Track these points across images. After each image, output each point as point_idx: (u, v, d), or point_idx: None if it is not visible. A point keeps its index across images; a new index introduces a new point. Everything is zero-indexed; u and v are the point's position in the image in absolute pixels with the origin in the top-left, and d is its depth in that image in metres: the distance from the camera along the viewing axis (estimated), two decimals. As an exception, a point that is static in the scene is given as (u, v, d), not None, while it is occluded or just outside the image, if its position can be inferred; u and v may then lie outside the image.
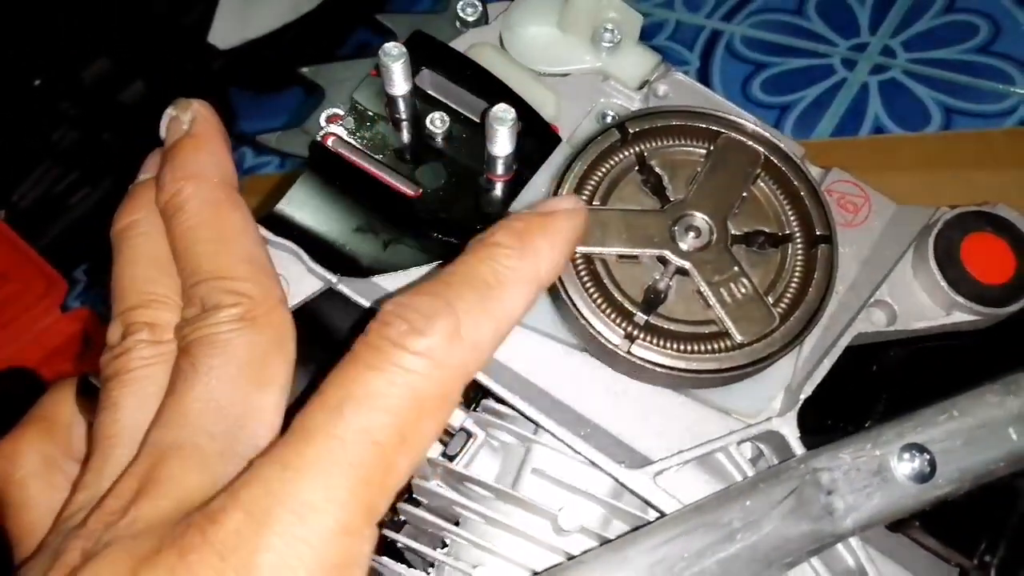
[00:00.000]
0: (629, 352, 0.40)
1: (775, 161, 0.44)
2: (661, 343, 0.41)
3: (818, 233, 0.43)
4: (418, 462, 0.31)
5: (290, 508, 0.28)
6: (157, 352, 0.35)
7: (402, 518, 0.47)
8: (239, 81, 1.29)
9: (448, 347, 0.30)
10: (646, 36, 0.53)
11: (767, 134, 0.45)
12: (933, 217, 0.48)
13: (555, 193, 0.43)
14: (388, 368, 0.30)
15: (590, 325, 0.41)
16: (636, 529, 0.38)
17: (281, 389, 0.35)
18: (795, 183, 0.44)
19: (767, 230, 0.44)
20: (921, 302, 0.47)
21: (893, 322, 0.47)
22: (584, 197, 0.43)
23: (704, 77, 1.09)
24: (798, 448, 0.43)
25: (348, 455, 0.28)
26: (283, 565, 0.27)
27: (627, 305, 0.42)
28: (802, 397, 0.44)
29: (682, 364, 0.40)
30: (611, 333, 0.41)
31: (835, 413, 0.47)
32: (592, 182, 0.44)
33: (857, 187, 0.51)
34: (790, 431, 0.43)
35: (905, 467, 0.39)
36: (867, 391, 0.48)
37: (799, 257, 0.44)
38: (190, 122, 0.39)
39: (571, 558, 0.43)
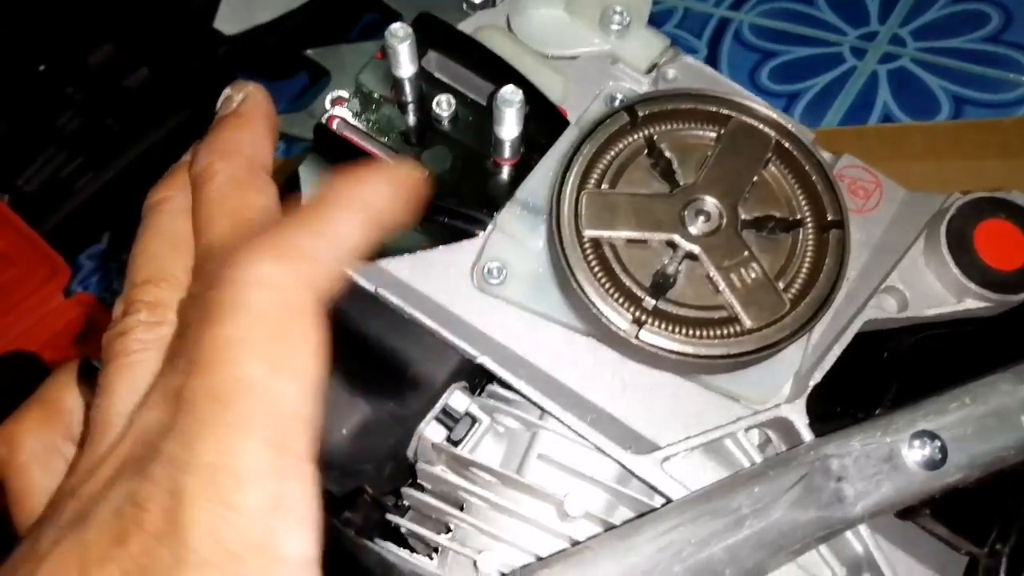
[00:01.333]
0: (637, 337, 0.40)
1: (786, 145, 0.44)
2: (670, 328, 0.40)
3: (830, 218, 0.43)
4: (308, 385, 0.30)
5: (198, 474, 0.28)
6: (155, 335, 0.35)
7: (406, 503, 0.47)
8: (245, 67, 1.28)
9: (281, 269, 0.30)
10: (654, 24, 0.52)
11: (778, 118, 0.44)
12: (946, 203, 0.47)
13: (563, 177, 0.43)
14: (234, 310, 0.29)
15: (598, 310, 0.40)
16: (642, 515, 0.37)
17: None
18: (807, 167, 0.44)
19: (778, 215, 0.43)
20: (933, 289, 0.46)
21: (904, 309, 0.46)
22: (592, 181, 0.43)
23: (712, 65, 1.07)
24: (807, 435, 0.43)
25: (230, 406, 0.28)
26: (209, 530, 0.27)
27: (635, 290, 0.41)
28: (811, 384, 0.44)
29: (691, 349, 0.40)
30: (619, 318, 0.40)
31: (845, 400, 0.47)
32: (601, 165, 0.43)
33: (868, 173, 0.50)
34: (799, 418, 0.43)
35: (916, 454, 0.38)
36: (877, 378, 0.47)
37: (810, 242, 0.43)
38: (240, 102, 0.40)
39: (576, 543, 0.43)
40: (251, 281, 0.30)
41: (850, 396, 0.47)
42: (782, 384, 0.44)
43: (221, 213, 0.37)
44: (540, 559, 0.41)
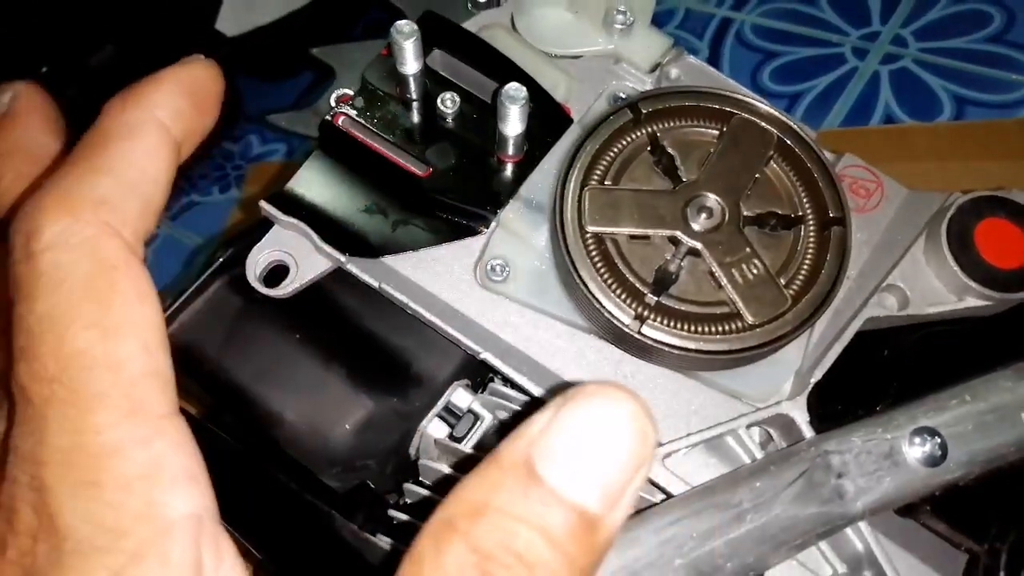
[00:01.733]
0: (640, 332, 0.40)
1: (789, 143, 0.44)
2: (672, 323, 0.40)
3: (831, 215, 0.43)
4: (148, 334, 0.28)
5: (54, 462, 0.26)
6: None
7: (408, 499, 0.47)
8: (247, 68, 1.28)
9: (70, 223, 0.28)
10: (656, 25, 0.53)
11: (781, 116, 0.44)
12: (946, 202, 0.47)
13: (566, 173, 0.43)
14: (38, 282, 0.27)
15: (600, 305, 0.40)
16: (644, 510, 0.37)
17: None
18: (809, 165, 0.44)
19: (780, 211, 0.43)
20: (933, 287, 0.47)
21: (905, 307, 0.46)
22: (596, 178, 0.43)
23: (714, 65, 1.06)
24: (808, 432, 0.43)
25: (65, 383, 0.27)
26: (81, 515, 0.26)
27: (638, 285, 0.41)
28: (812, 381, 0.44)
29: (692, 345, 0.40)
30: (622, 313, 0.40)
31: (846, 398, 0.47)
32: (604, 162, 0.43)
33: (869, 172, 0.51)
34: (800, 415, 0.43)
35: (916, 451, 0.38)
36: (878, 376, 0.47)
37: (811, 239, 0.43)
38: (8, 101, 0.38)
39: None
40: (47, 245, 0.27)
41: (851, 394, 0.47)
42: (783, 382, 0.44)
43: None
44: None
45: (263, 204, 0.45)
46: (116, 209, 0.29)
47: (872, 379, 0.47)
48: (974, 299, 0.46)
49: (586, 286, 0.41)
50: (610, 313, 0.40)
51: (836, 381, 0.45)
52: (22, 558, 0.27)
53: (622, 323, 0.40)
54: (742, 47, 1.11)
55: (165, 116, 0.31)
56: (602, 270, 0.41)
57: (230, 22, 1.25)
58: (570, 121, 0.48)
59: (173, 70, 0.33)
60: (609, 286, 0.41)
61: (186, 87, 0.33)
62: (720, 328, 0.41)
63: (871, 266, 0.47)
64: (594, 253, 0.41)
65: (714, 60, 1.10)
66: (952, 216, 0.46)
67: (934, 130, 0.95)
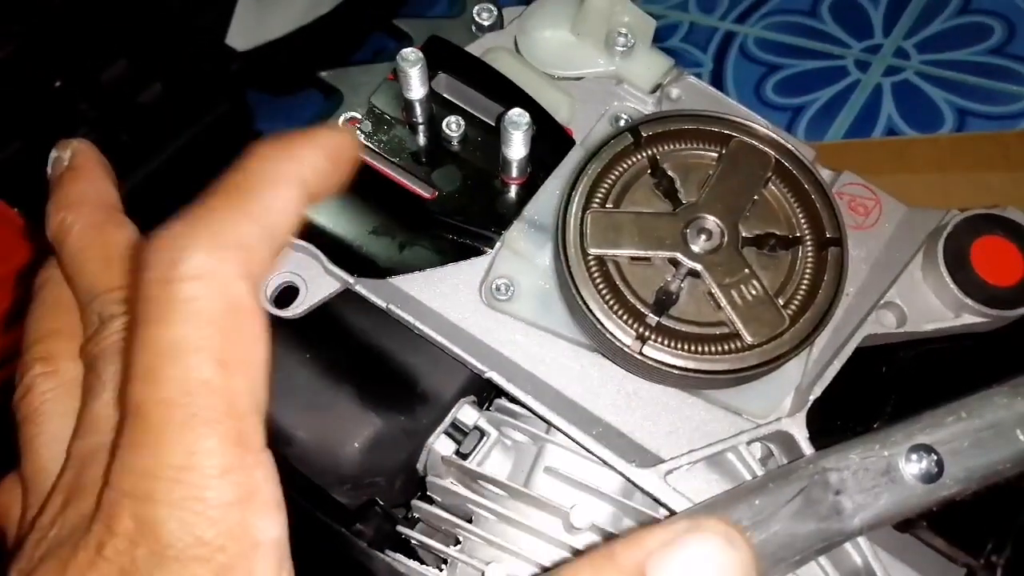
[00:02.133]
0: (641, 353, 0.41)
1: (786, 164, 0.45)
2: (673, 344, 0.41)
3: (828, 236, 0.44)
4: (257, 370, 0.30)
5: (165, 477, 0.28)
6: (56, 382, 0.36)
7: (416, 515, 0.48)
8: (257, 83, 1.30)
9: (214, 260, 0.29)
10: (660, 38, 0.53)
11: (778, 138, 0.45)
12: (943, 220, 0.48)
13: (568, 196, 0.44)
14: (170, 310, 0.29)
15: (602, 326, 0.41)
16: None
17: None
18: (806, 186, 0.45)
19: (778, 232, 0.44)
20: (931, 304, 0.47)
21: (903, 324, 0.47)
22: (597, 200, 0.44)
23: (718, 78, 1.09)
24: (807, 448, 0.44)
25: (185, 410, 0.28)
26: (183, 528, 0.28)
27: (639, 306, 0.42)
28: (812, 398, 0.45)
29: (693, 365, 0.41)
30: (623, 334, 0.41)
31: (844, 414, 0.47)
32: (605, 185, 0.44)
33: (868, 190, 0.51)
34: (799, 431, 0.44)
35: (913, 467, 0.39)
36: (876, 392, 0.48)
37: (809, 259, 0.44)
38: (69, 158, 0.40)
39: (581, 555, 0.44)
40: (188, 275, 0.29)
41: (850, 410, 0.48)
42: (783, 399, 0.45)
43: (88, 258, 0.37)
44: (546, 570, 0.42)
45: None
46: (253, 254, 0.30)
47: (870, 395, 0.48)
48: (971, 316, 0.47)
49: (588, 307, 0.42)
50: (612, 334, 0.41)
51: (835, 397, 0.45)
52: (118, 556, 0.28)
53: (624, 344, 0.41)
54: (746, 60, 1.12)
55: (308, 174, 0.33)
56: (604, 291, 0.42)
57: (240, 37, 1.26)
58: (572, 143, 0.49)
59: (324, 132, 0.35)
60: (611, 307, 0.42)
61: (332, 151, 0.34)
62: (720, 348, 0.42)
63: (870, 283, 0.48)
64: (596, 275, 0.42)
65: (718, 73, 1.11)
66: (949, 234, 0.47)
67: (935, 142, 0.95)
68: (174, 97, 1.28)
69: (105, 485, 0.30)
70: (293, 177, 0.33)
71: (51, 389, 0.36)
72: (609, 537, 0.44)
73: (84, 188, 0.39)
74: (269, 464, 0.30)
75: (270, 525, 0.29)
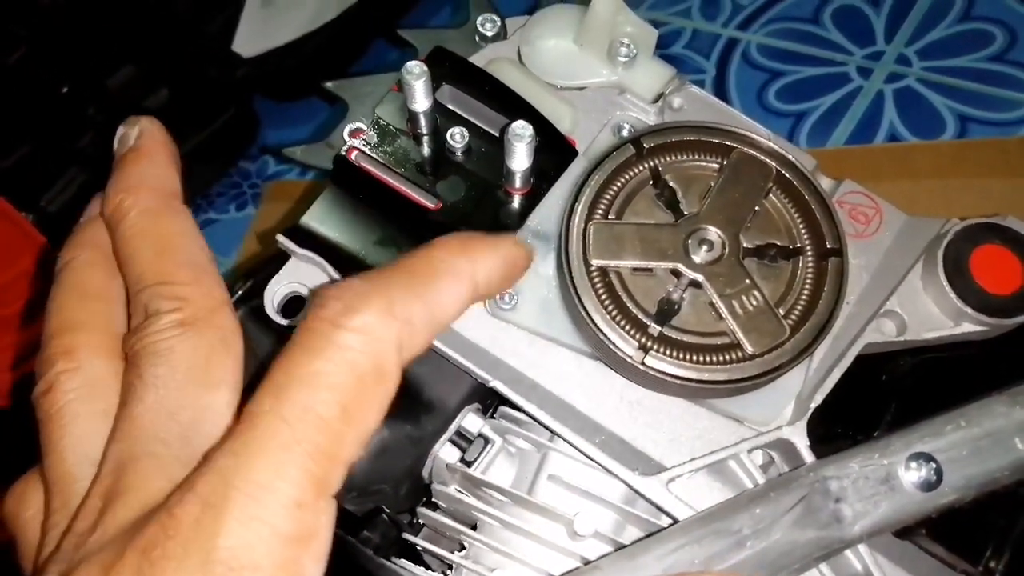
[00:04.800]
0: (643, 363, 0.42)
1: (787, 175, 0.45)
2: (674, 354, 0.42)
3: (828, 246, 0.44)
4: (365, 433, 0.31)
5: (243, 491, 0.29)
6: (80, 380, 0.36)
7: (421, 522, 0.49)
8: (262, 89, 1.31)
9: (382, 323, 0.31)
10: (663, 44, 0.54)
11: (779, 148, 0.46)
12: (943, 229, 0.48)
13: (571, 208, 0.44)
14: (326, 347, 0.31)
15: (605, 336, 0.42)
16: (650, 535, 0.39)
17: (230, 388, 0.35)
18: (806, 197, 0.45)
19: (779, 243, 0.45)
20: (930, 312, 0.48)
21: (903, 332, 0.47)
22: (600, 212, 0.44)
23: (720, 85, 1.10)
24: (808, 456, 0.44)
25: (294, 433, 0.29)
26: (243, 545, 0.28)
27: (641, 317, 0.43)
28: (812, 406, 0.45)
29: (695, 375, 0.42)
30: (625, 344, 0.42)
31: (845, 421, 0.48)
32: (608, 196, 0.45)
33: (869, 198, 0.52)
34: (800, 439, 0.44)
35: (912, 476, 0.40)
36: (876, 400, 0.48)
37: (810, 270, 0.44)
38: (136, 137, 0.40)
39: (586, 562, 0.44)
40: (352, 326, 0.31)
41: (850, 417, 0.48)
42: (784, 407, 0.46)
43: (141, 245, 0.37)
44: (550, 577, 0.42)
45: (280, 238, 0.47)
46: (413, 333, 0.33)
47: (871, 403, 0.49)
48: (970, 324, 0.47)
49: (591, 318, 0.42)
50: (614, 344, 0.42)
51: (836, 404, 0.46)
52: (164, 560, 0.28)
53: (626, 354, 0.42)
54: (748, 67, 1.12)
55: (481, 276, 0.36)
56: (606, 302, 0.42)
57: (246, 44, 1.27)
58: (575, 153, 0.49)
59: (505, 243, 0.39)
60: (613, 318, 0.42)
61: (508, 260, 0.38)
62: (721, 358, 0.42)
63: (870, 291, 0.49)
64: (598, 286, 0.43)
65: (721, 79, 1.11)
66: (948, 243, 0.47)
67: (937, 148, 0.96)
68: (180, 102, 1.29)
69: (184, 488, 0.30)
70: (467, 276, 0.35)
71: (75, 388, 0.35)
72: (613, 544, 0.45)
73: (145, 171, 0.39)
74: (334, 515, 0.30)
75: (315, 571, 0.30)
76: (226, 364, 0.35)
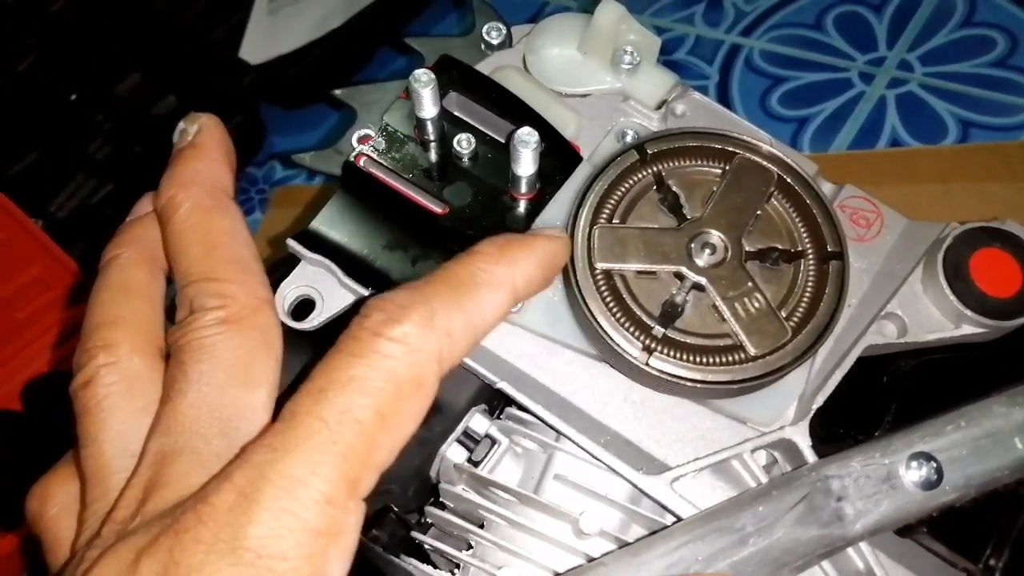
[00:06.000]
0: (647, 364, 0.42)
1: (788, 180, 0.46)
2: (678, 355, 0.43)
3: (830, 249, 0.45)
4: (400, 441, 0.33)
5: (278, 484, 0.30)
6: (119, 375, 0.36)
7: (429, 520, 0.49)
8: (270, 96, 1.32)
9: (422, 334, 0.33)
10: (667, 51, 0.55)
11: (781, 154, 0.47)
12: (943, 232, 0.49)
13: (576, 212, 0.45)
14: (367, 354, 0.32)
15: (610, 338, 0.43)
16: (654, 533, 0.39)
17: (269, 387, 0.36)
18: (807, 201, 0.46)
19: (780, 247, 0.46)
20: (931, 315, 0.48)
21: (903, 334, 0.48)
22: (604, 216, 0.45)
23: (723, 91, 1.10)
24: (810, 456, 0.45)
25: (331, 434, 0.30)
26: (272, 535, 0.29)
27: (645, 319, 0.43)
28: (814, 407, 0.46)
29: (698, 376, 0.42)
30: (630, 346, 0.43)
31: (846, 421, 0.48)
32: (612, 201, 0.46)
33: (869, 203, 0.52)
34: (802, 439, 0.45)
35: (913, 475, 0.40)
36: (877, 401, 0.49)
37: (811, 273, 0.45)
38: (194, 133, 0.41)
39: (591, 560, 0.45)
40: (393, 336, 0.32)
41: (851, 418, 0.49)
42: (787, 407, 0.46)
43: (191, 241, 0.38)
44: (558, 574, 0.43)
45: (290, 242, 0.48)
46: (453, 344, 0.34)
47: (872, 403, 0.49)
48: (970, 327, 0.47)
49: (596, 320, 0.43)
50: (619, 346, 0.43)
51: (838, 405, 0.46)
52: (196, 544, 0.29)
53: (631, 355, 0.42)
54: (751, 72, 1.13)
55: (520, 280, 0.37)
56: (611, 304, 0.43)
57: (253, 51, 1.29)
58: (580, 159, 0.50)
59: (542, 240, 0.40)
60: (618, 320, 0.43)
61: (546, 260, 0.39)
62: (724, 359, 0.43)
63: (871, 294, 0.49)
64: (603, 288, 0.43)
65: (724, 85, 1.12)
66: (948, 247, 0.48)
67: (938, 153, 0.96)
68: (188, 109, 1.30)
69: (220, 478, 0.31)
70: (507, 282, 0.37)
71: (115, 382, 0.36)
72: (617, 542, 0.45)
73: (200, 167, 0.39)
74: (362, 517, 0.31)
75: (339, 569, 0.31)
76: (267, 364, 0.36)
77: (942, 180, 0.93)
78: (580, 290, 0.43)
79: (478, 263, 0.37)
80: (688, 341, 0.43)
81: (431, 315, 0.33)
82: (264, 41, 1.27)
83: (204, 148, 0.40)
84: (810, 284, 0.45)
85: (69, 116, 1.28)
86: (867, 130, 1.02)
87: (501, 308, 0.37)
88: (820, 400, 0.46)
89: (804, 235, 0.46)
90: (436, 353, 0.33)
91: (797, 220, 0.46)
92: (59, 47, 1.29)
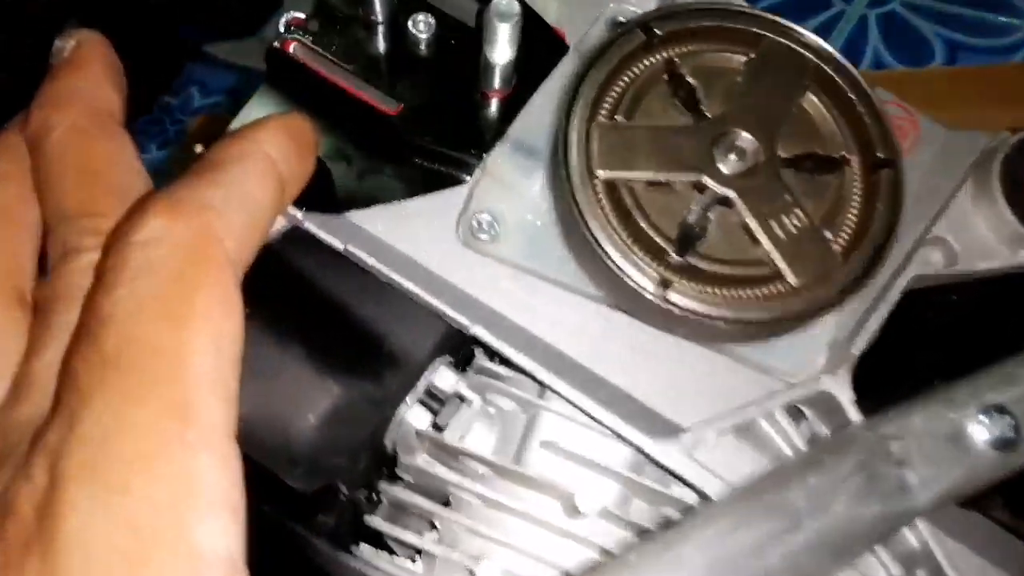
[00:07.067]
0: (666, 300, 0.33)
1: (827, 71, 0.38)
2: (702, 288, 0.34)
3: (880, 156, 0.37)
4: (219, 331, 0.27)
5: (79, 457, 0.25)
6: None
7: (384, 500, 0.40)
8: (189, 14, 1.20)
9: (169, 222, 0.28)
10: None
11: (819, 41, 0.38)
12: (994, 142, 0.43)
13: (569, 108, 0.36)
14: (124, 271, 0.27)
15: (618, 268, 0.34)
16: (686, 512, 0.31)
17: None
18: (851, 97, 0.38)
19: (819, 152, 0.37)
20: (984, 239, 0.42)
21: (953, 263, 0.42)
22: (604, 112, 0.36)
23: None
24: (853, 413, 0.37)
25: (121, 370, 0.26)
26: (97, 528, 0.24)
27: (660, 242, 0.35)
28: (855, 352, 0.38)
29: (729, 313, 0.34)
30: (643, 277, 0.34)
31: (886, 372, 0.41)
32: (613, 94, 0.37)
33: (903, 109, 0.45)
34: (843, 392, 0.37)
35: (984, 432, 0.33)
36: (923, 345, 0.42)
37: (857, 184, 0.37)
38: (71, 49, 0.36)
39: (587, 543, 0.37)
40: (142, 240, 0.28)
41: (891, 367, 0.41)
42: (816, 355, 0.39)
43: (64, 167, 0.33)
44: (568, 574, 0.35)
45: (199, 150, 0.38)
46: (220, 216, 0.29)
47: (916, 348, 0.42)
48: (1033, 252, 0.41)
49: (599, 245, 0.34)
50: (630, 278, 0.34)
51: (872, 352, 0.39)
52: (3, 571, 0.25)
53: (645, 289, 0.34)
54: (725, -11, 1.05)
55: (273, 152, 0.33)
56: (617, 225, 0.34)
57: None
58: (566, 47, 0.41)
59: (278, 116, 0.35)
60: (627, 244, 0.34)
61: (292, 132, 0.34)
62: (760, 292, 0.34)
63: (911, 217, 0.42)
64: (606, 204, 0.35)
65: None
66: (1005, 158, 0.41)
67: (929, 77, 0.90)
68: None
69: (18, 475, 0.26)
70: (256, 153, 0.32)
71: None
72: (618, 523, 0.37)
73: (77, 85, 0.35)
74: (226, 454, 0.26)
75: (217, 533, 0.25)
76: None
77: (933, 107, 0.85)
78: (578, 206, 0.34)
79: (211, 152, 0.32)
80: (712, 270, 0.35)
81: (172, 199, 0.29)
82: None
83: (83, 64, 0.36)
84: (857, 198, 0.37)
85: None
86: (848, 52, 0.96)
87: (264, 179, 0.32)
88: (861, 345, 0.38)
89: (849, 138, 0.38)
90: (208, 231, 0.28)
91: (839, 119, 0.38)
92: None
